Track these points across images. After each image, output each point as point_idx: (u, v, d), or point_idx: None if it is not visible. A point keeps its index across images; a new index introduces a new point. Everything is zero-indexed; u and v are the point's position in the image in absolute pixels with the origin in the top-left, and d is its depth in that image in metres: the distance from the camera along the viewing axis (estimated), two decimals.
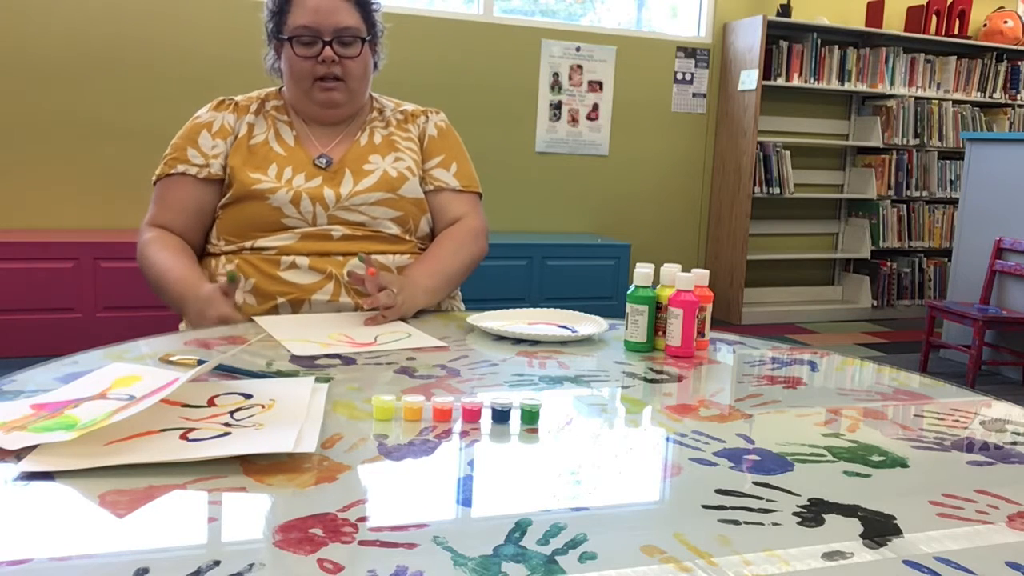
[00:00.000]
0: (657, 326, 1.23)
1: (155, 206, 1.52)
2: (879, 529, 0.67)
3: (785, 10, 4.87)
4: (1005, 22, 5.44)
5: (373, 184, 1.49)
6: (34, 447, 0.74)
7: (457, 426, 0.86)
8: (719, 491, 0.73)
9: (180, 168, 1.49)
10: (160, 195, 1.51)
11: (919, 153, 5.33)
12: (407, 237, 1.53)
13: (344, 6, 1.47)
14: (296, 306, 1.41)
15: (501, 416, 0.88)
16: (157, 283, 1.43)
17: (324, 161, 1.51)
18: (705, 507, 0.69)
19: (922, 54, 5.27)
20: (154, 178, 1.53)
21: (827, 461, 0.81)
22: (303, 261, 1.42)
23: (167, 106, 3.90)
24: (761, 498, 0.72)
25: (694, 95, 4.98)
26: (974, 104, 5.44)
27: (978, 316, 3.61)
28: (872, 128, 5.21)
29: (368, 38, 1.51)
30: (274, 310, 1.40)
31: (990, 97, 5.45)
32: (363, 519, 0.64)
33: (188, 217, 1.50)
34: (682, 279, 1.20)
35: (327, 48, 1.46)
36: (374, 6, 1.54)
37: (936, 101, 5.31)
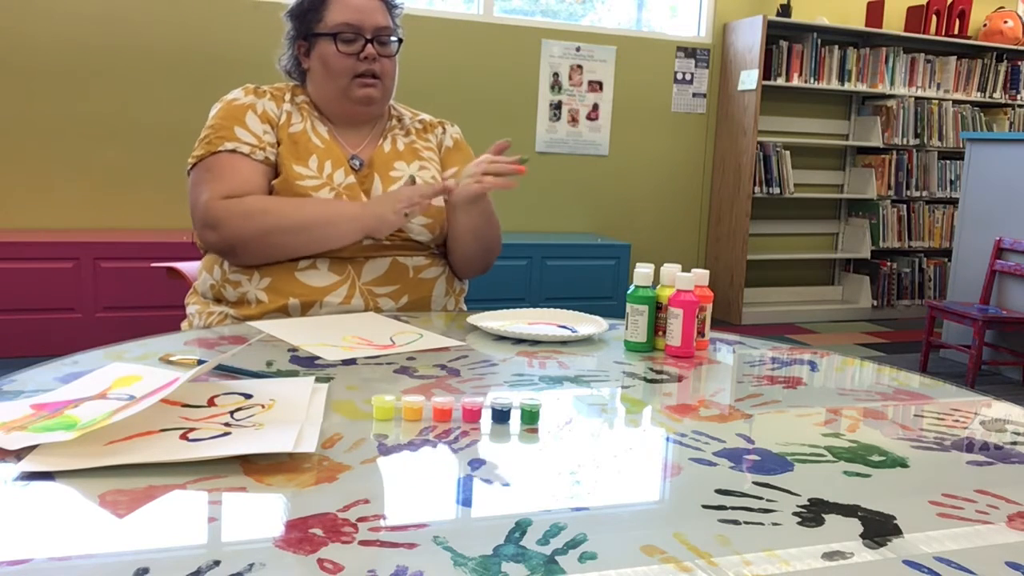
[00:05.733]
0: (657, 326, 1.23)
1: (214, 182, 1.41)
2: (879, 529, 0.67)
3: (785, 10, 4.87)
4: (1005, 22, 5.44)
5: None
6: (34, 447, 0.74)
7: (457, 426, 0.86)
8: (719, 491, 0.73)
9: (230, 145, 1.43)
10: (216, 172, 1.42)
11: (919, 153, 5.33)
12: (431, 246, 1.54)
13: (380, 7, 1.52)
14: (307, 307, 1.41)
15: (501, 416, 0.88)
16: (316, 218, 1.37)
17: (357, 163, 1.52)
18: (705, 507, 0.69)
19: (922, 54, 5.27)
20: (194, 160, 1.45)
21: (827, 461, 0.81)
22: (324, 263, 1.42)
23: (167, 106, 3.90)
24: (761, 498, 0.72)
25: (694, 95, 4.98)
26: (974, 104, 5.44)
27: (978, 316, 3.61)
28: (872, 128, 5.21)
29: (401, 39, 1.55)
30: (283, 309, 1.40)
31: (990, 97, 5.45)
32: (363, 519, 0.64)
33: (258, 190, 1.43)
34: (682, 279, 1.20)
35: (368, 46, 1.49)
36: (398, 12, 1.58)
37: (936, 101, 5.31)
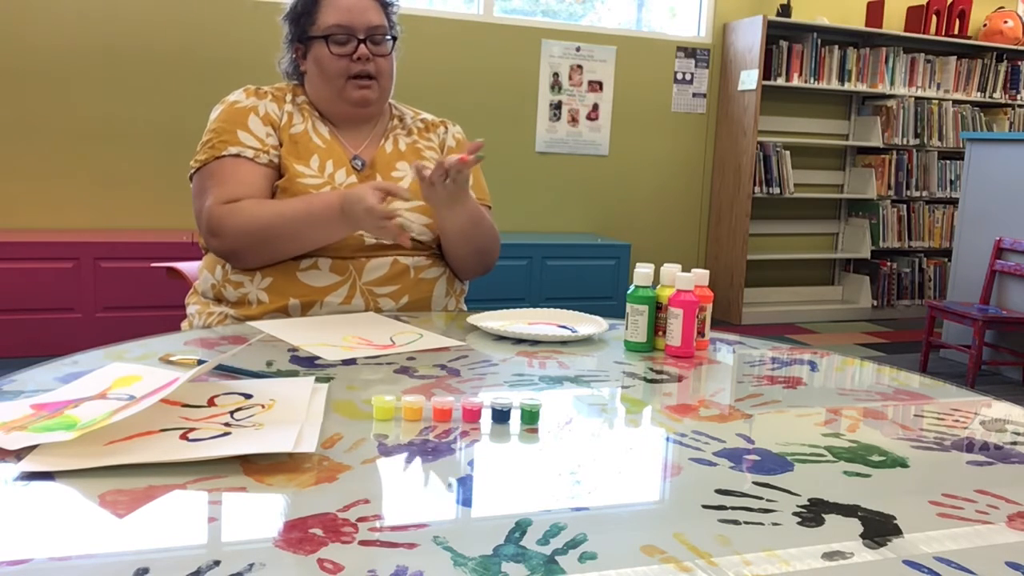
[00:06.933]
0: (657, 326, 1.23)
1: (217, 188, 1.40)
2: (879, 529, 0.67)
3: (785, 10, 4.87)
4: (1005, 22, 5.44)
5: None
6: (34, 447, 0.74)
7: (457, 426, 0.86)
8: (719, 491, 0.73)
9: (234, 150, 1.43)
10: (219, 177, 1.42)
11: (919, 153, 5.33)
12: (432, 246, 1.53)
13: (373, 6, 1.51)
14: (307, 307, 1.41)
15: (501, 416, 0.88)
16: (301, 223, 1.35)
17: (359, 163, 1.51)
18: (705, 507, 0.69)
19: (922, 54, 5.27)
20: (197, 165, 1.45)
21: (827, 461, 0.81)
22: (325, 263, 1.42)
23: (167, 106, 3.89)
24: (761, 498, 0.72)
25: (694, 95, 4.98)
26: (974, 104, 5.44)
27: (978, 316, 3.61)
28: (872, 128, 5.21)
29: (397, 37, 1.54)
30: (284, 309, 1.40)
31: (990, 97, 5.45)
32: (363, 519, 0.64)
33: (260, 194, 1.42)
34: (682, 279, 1.20)
35: (362, 46, 1.48)
36: (394, 8, 1.57)
37: (936, 101, 5.31)
